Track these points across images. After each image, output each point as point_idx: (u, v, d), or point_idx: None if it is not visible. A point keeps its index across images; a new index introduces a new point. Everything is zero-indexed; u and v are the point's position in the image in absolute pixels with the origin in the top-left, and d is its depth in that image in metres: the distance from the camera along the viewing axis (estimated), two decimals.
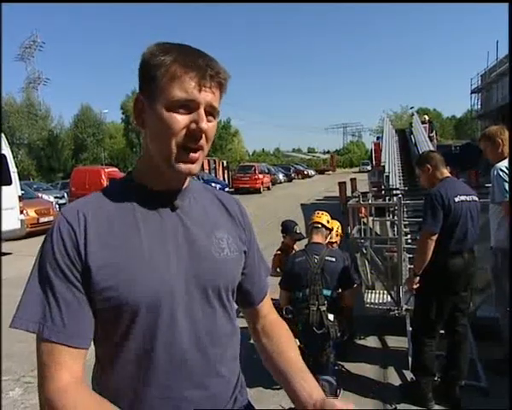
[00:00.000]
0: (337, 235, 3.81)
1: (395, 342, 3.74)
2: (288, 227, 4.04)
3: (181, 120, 0.81)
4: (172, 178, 0.89)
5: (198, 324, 0.88)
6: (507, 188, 2.91)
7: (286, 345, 1.04)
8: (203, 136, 0.84)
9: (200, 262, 0.89)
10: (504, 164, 3.00)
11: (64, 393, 0.76)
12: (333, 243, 3.71)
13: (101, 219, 0.84)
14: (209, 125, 0.85)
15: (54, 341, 0.78)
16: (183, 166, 0.84)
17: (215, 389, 0.91)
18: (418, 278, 2.76)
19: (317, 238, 3.25)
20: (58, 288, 0.79)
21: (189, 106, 0.82)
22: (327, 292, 2.99)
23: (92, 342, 0.86)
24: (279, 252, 4.07)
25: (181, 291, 0.86)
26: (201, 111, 0.82)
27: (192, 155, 0.84)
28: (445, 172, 2.88)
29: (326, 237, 3.33)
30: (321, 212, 3.42)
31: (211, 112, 0.85)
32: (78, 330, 0.79)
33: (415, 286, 2.80)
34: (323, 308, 2.93)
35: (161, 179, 0.89)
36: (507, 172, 2.94)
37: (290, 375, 0.97)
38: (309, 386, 0.93)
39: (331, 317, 2.94)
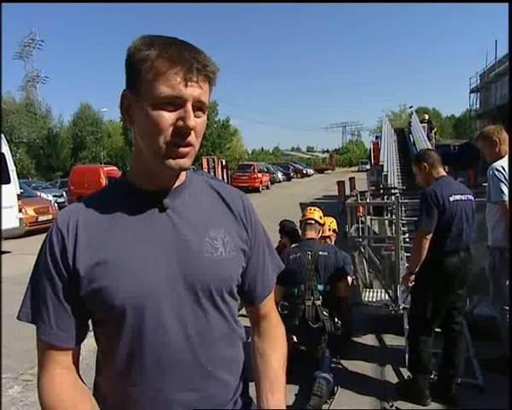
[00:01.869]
0: (329, 229, 3.83)
1: (393, 340, 3.76)
2: (286, 228, 4.05)
3: (168, 117, 0.79)
4: (164, 176, 0.88)
5: (187, 325, 0.86)
6: (503, 188, 2.92)
7: (272, 350, 1.03)
8: (192, 132, 0.81)
9: (190, 263, 0.87)
10: (501, 164, 3.01)
11: (52, 381, 0.85)
12: (326, 237, 3.73)
13: (92, 224, 0.85)
14: (197, 121, 0.82)
15: (43, 339, 0.85)
16: (173, 162, 0.82)
17: (210, 392, 0.89)
18: (413, 275, 2.79)
19: (311, 234, 3.31)
20: (47, 293, 0.84)
21: (176, 102, 0.79)
22: (321, 287, 3.04)
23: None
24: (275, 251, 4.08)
25: (167, 292, 0.84)
26: (188, 107, 0.80)
27: (182, 149, 0.82)
28: (442, 171, 2.89)
29: (319, 232, 3.38)
30: (313, 208, 3.46)
31: (199, 107, 0.82)
32: (62, 332, 0.84)
33: (410, 284, 2.84)
34: (318, 303, 2.98)
35: (153, 178, 0.88)
36: (503, 171, 2.95)
37: (262, 382, 0.99)
38: (272, 400, 0.96)
39: (326, 311, 2.98)
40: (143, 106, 0.80)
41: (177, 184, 0.91)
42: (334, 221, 3.96)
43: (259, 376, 1.00)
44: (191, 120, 0.80)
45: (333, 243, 3.86)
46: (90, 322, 0.91)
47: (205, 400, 0.89)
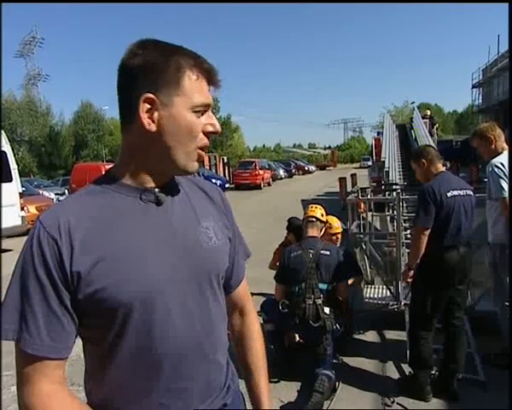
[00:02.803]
0: (330, 228, 3.83)
1: (394, 336, 3.76)
2: (293, 225, 4.04)
3: (199, 122, 0.86)
4: (166, 175, 0.90)
5: (193, 316, 0.89)
6: (503, 184, 2.91)
7: (255, 354, 1.12)
8: None
9: (190, 254, 0.90)
10: (499, 160, 3.00)
11: (45, 399, 0.78)
12: (334, 234, 3.72)
13: (86, 223, 0.82)
14: None
15: (30, 352, 0.78)
16: (196, 165, 0.89)
17: (211, 376, 0.94)
18: (412, 271, 2.80)
19: (312, 232, 3.29)
20: (36, 301, 0.78)
21: (204, 109, 0.87)
22: (322, 286, 3.03)
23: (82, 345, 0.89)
24: (279, 247, 4.08)
25: (173, 286, 0.86)
26: (211, 113, 0.88)
27: (201, 152, 0.89)
28: (440, 166, 2.89)
29: (320, 230, 3.36)
30: (315, 205, 3.45)
31: None
32: (55, 342, 0.79)
33: (409, 280, 2.85)
34: (319, 302, 2.97)
35: (149, 176, 0.88)
36: (502, 168, 2.94)
37: (250, 380, 1.12)
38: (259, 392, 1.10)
39: (327, 310, 2.98)
40: (180, 111, 0.84)
41: (168, 182, 0.93)
42: (339, 222, 3.93)
43: (249, 378, 1.12)
44: (218, 124, 0.89)
45: (339, 241, 3.85)
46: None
47: (207, 384, 0.93)
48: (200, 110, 0.86)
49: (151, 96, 0.83)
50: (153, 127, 0.84)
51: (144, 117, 0.83)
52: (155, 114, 0.84)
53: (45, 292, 0.78)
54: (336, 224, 3.79)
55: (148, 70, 0.83)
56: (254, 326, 1.14)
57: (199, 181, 1.05)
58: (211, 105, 0.88)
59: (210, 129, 0.88)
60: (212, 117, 0.88)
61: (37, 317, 0.78)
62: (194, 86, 0.84)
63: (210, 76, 0.87)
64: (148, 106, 0.83)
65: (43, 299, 0.78)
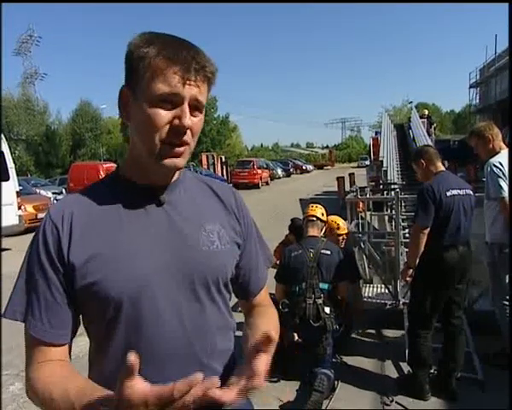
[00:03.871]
0: (338, 228, 3.82)
1: (393, 335, 3.76)
2: (295, 224, 4.03)
3: (164, 115, 0.80)
4: (158, 173, 0.87)
5: (184, 317, 0.87)
6: (501, 184, 2.90)
7: (263, 323, 0.97)
8: (188, 131, 0.82)
9: (187, 255, 0.88)
10: (498, 159, 2.99)
11: (40, 370, 0.81)
12: (340, 235, 3.71)
13: (87, 217, 0.85)
14: (194, 121, 0.83)
15: (33, 335, 0.82)
16: (167, 161, 0.82)
17: None
18: (411, 270, 2.80)
19: (312, 231, 3.27)
20: (40, 287, 0.82)
21: (173, 101, 0.80)
22: (323, 285, 3.02)
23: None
24: (279, 245, 4.07)
25: (164, 284, 0.85)
26: (185, 106, 0.80)
27: (176, 149, 0.82)
28: (440, 166, 2.89)
29: (321, 230, 3.35)
30: (315, 205, 3.43)
31: (196, 106, 0.83)
32: (56, 328, 0.83)
33: (408, 279, 2.86)
34: (320, 301, 2.96)
35: (147, 173, 0.88)
36: (501, 167, 2.93)
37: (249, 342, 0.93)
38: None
39: (327, 310, 2.97)
40: (140, 103, 0.81)
41: (172, 180, 0.91)
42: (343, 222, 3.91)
43: (247, 339, 0.92)
44: (187, 118, 0.80)
45: (344, 243, 3.84)
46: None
47: None
48: (163, 101, 0.79)
49: (125, 88, 0.85)
50: (128, 121, 0.85)
51: (122, 110, 0.86)
52: (128, 107, 0.85)
53: (47, 277, 0.82)
54: (343, 224, 3.78)
55: (125, 62, 0.84)
56: (270, 316, 1.03)
57: (213, 183, 1.02)
58: (183, 96, 0.79)
59: (176, 123, 0.80)
60: (183, 110, 0.80)
61: (40, 300, 0.82)
62: (155, 76, 0.78)
63: (183, 65, 0.78)
64: (125, 98, 0.85)
65: (46, 284, 0.82)
